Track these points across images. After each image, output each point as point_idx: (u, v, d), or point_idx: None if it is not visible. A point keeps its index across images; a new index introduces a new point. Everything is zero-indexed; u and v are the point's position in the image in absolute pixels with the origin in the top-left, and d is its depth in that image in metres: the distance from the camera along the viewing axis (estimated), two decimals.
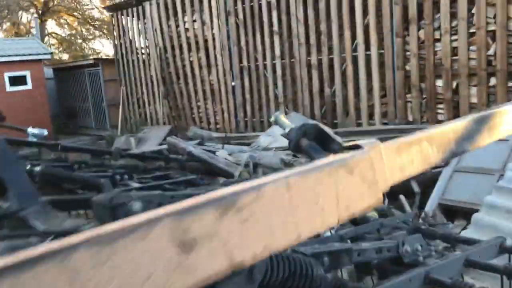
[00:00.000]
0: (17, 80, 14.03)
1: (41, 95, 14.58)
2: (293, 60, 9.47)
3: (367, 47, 8.24)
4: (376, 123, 8.30)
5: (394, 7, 7.77)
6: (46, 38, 24.32)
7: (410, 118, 7.94)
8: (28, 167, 2.40)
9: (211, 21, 10.69)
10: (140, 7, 12.48)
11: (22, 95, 14.12)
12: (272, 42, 9.72)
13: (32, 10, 22.90)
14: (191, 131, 11.26)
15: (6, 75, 13.76)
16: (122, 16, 13.35)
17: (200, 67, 11.23)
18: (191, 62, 11.44)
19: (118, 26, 13.56)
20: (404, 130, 7.12)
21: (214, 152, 8.49)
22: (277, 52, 9.66)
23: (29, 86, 14.29)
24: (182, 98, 11.95)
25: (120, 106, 13.96)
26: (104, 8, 15.79)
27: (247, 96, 10.43)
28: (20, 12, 22.36)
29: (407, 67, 7.83)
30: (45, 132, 5.92)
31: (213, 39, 10.75)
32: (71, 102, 16.65)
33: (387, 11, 7.88)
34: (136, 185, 4.34)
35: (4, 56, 13.58)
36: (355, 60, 8.51)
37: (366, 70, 8.33)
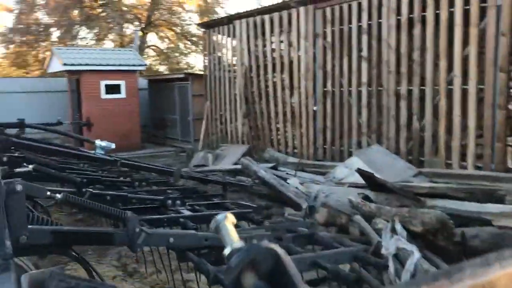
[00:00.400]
0: (112, 89, 14.84)
1: (133, 104, 15.27)
2: (380, 88, 8.91)
3: (465, 81, 7.47)
4: (468, 167, 7.45)
5: (500, 38, 6.96)
6: (146, 50, 25.83)
7: (510, 165, 7.01)
8: (48, 193, 2.26)
9: (298, 42, 10.46)
10: (231, 25, 12.63)
11: (115, 103, 14.89)
12: (359, 68, 9.25)
13: (136, 23, 24.45)
14: (268, 153, 11.04)
15: (103, 83, 14.60)
16: (214, 33, 13.62)
17: (283, 89, 11.03)
18: (274, 83, 11.29)
19: (209, 42, 13.86)
20: (500, 179, 6.27)
21: (285, 179, 8.17)
22: (364, 78, 9.16)
23: (122, 95, 15.04)
24: (262, 118, 11.81)
25: (204, 121, 14.19)
26: (198, 24, 16.29)
27: (328, 122, 9.99)
28: (125, 25, 23.96)
29: (510, 107, 6.95)
30: (112, 145, 6.02)
31: (298, 61, 10.50)
32: (161, 113, 17.29)
33: (492, 41, 7.08)
34: (187, 212, 4.17)
35: (102, 65, 14.44)
36: (449, 93, 7.76)
37: (462, 106, 7.54)
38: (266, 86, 11.59)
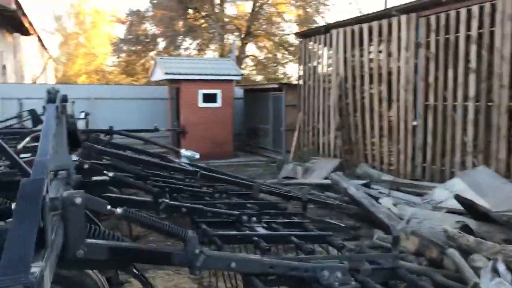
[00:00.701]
0: (209, 98, 15.26)
1: (228, 113, 15.57)
2: (490, 103, 8.07)
3: None
4: None
5: None
6: (245, 60, 26.41)
7: None
8: (108, 207, 2.21)
9: (399, 52, 9.89)
10: (327, 34, 12.36)
11: (211, 111, 15.29)
12: (466, 81, 8.47)
13: (236, 33, 25.10)
14: (361, 169, 10.55)
15: (200, 92, 15.07)
16: (310, 43, 13.45)
17: (380, 101, 10.49)
18: (370, 95, 10.79)
19: (305, 52, 13.70)
20: None
21: (377, 198, 7.69)
22: (472, 92, 8.37)
23: (218, 103, 15.40)
24: (356, 132, 11.34)
25: (296, 132, 14.04)
26: (295, 34, 16.23)
27: (429, 139, 9.28)
28: (226, 35, 24.71)
29: None
30: (197, 155, 6.08)
31: (398, 72, 9.92)
32: (255, 122, 17.46)
33: None
34: (262, 230, 3.99)
35: (200, 75, 14.93)
36: None
37: None
38: (362, 98, 11.12)
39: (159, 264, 2.56)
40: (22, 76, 24.50)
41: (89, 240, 2.18)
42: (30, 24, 28.04)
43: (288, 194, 5.26)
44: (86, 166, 3.45)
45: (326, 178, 10.27)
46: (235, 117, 16.39)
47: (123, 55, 26.88)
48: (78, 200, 2.09)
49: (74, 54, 46.81)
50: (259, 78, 26.75)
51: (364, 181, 9.21)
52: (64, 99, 2.77)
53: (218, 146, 15.31)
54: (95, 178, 3.20)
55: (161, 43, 26.33)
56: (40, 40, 33.76)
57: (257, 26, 24.43)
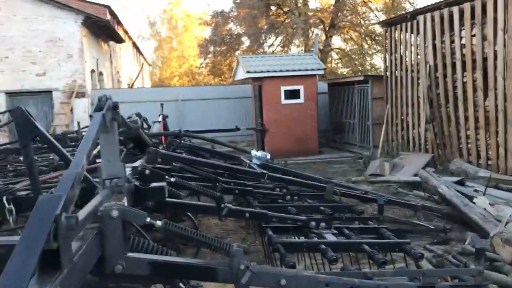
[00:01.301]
0: (291, 94, 15.07)
1: (311, 109, 15.25)
2: None
3: None
4: None
5: None
6: (330, 53, 25.81)
7: None
8: (148, 219, 2.11)
9: (495, 35, 8.93)
10: (414, 21, 11.58)
11: (294, 108, 15.08)
12: None
13: (320, 26, 24.59)
14: (454, 164, 9.75)
15: (282, 89, 14.93)
16: (396, 31, 12.71)
17: (475, 90, 9.58)
18: (464, 84, 9.90)
19: (391, 41, 12.99)
20: None
21: (472, 197, 6.99)
22: None
23: (301, 99, 15.14)
24: (449, 124, 10.49)
25: (383, 126, 13.40)
26: (379, 23, 15.46)
27: None
28: (310, 29, 24.31)
29: None
30: (268, 156, 5.92)
31: (495, 57, 8.97)
32: (340, 117, 16.97)
33: None
34: (331, 237, 3.72)
35: (282, 71, 14.78)
36: None
37: None
38: (454, 88, 10.25)
39: (203, 280, 2.42)
40: (119, 81, 26.11)
41: (129, 254, 2.10)
42: (125, 32, 29.90)
43: (365, 195, 4.90)
44: (147, 172, 3.41)
45: (415, 175, 9.62)
46: (319, 113, 16.04)
47: (210, 56, 27.60)
48: (115, 213, 2.01)
49: (168, 58, 49.21)
50: (345, 71, 26.01)
51: (458, 178, 8.46)
52: (115, 106, 2.73)
53: (302, 143, 15.07)
54: (153, 184, 3.15)
55: (246, 42, 26.63)
56: (135, 46, 35.91)
57: (341, 18, 23.73)
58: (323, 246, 3.36)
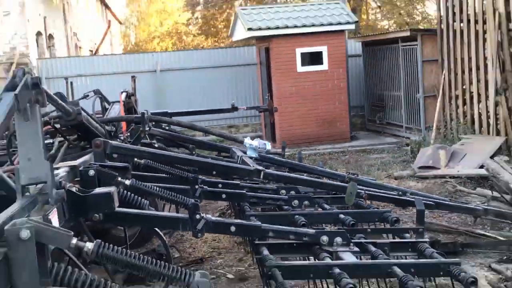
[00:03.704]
0: (311, 58, 14.98)
1: (339, 79, 15.19)
2: None
3: None
4: None
5: None
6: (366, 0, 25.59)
7: None
8: (74, 241, 2.09)
9: None
10: None
11: (316, 77, 15.01)
12: None
13: None
14: None
15: (298, 51, 14.83)
16: None
17: None
18: None
19: None
20: None
21: None
22: None
23: (324, 66, 15.05)
24: None
25: (438, 100, 13.31)
26: None
27: None
28: None
29: None
30: (268, 146, 5.87)
31: None
32: (379, 89, 16.87)
33: None
34: (349, 257, 3.68)
35: (297, 27, 14.64)
36: None
37: None
38: None
39: None
40: (78, 46, 26.18)
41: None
42: None
43: (401, 197, 4.85)
44: (91, 172, 3.40)
45: (481, 167, 9.56)
46: (351, 83, 15.97)
47: (199, 8, 27.48)
48: (25, 234, 1.99)
49: (146, 13, 49.17)
50: (387, 24, 25.79)
51: None
52: (35, 83, 2.70)
53: (328, 125, 15.05)
54: (97, 190, 3.13)
55: None
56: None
57: None
58: (337, 270, 3.32)
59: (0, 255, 1.97)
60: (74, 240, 2.12)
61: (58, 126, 4.36)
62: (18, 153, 3.45)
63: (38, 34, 18.76)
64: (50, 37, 20.64)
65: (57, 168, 3.35)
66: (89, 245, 2.19)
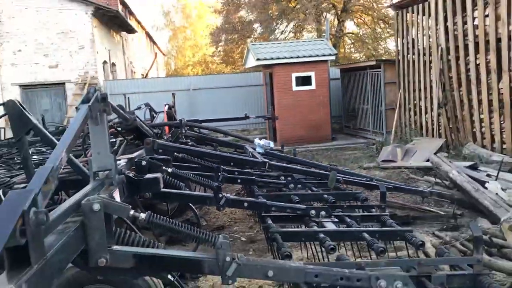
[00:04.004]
0: (303, 80, 14.91)
1: (323, 95, 15.09)
2: None
3: None
4: None
5: None
6: (343, 38, 25.43)
7: None
8: (131, 212, 2.08)
9: (509, 15, 8.66)
10: (426, 3, 11.31)
11: (306, 94, 14.94)
12: None
13: (333, 11, 24.21)
14: (468, 149, 9.57)
15: (293, 76, 14.79)
16: (408, 14, 12.45)
17: (488, 72, 9.34)
18: (477, 66, 9.65)
19: (402, 24, 12.73)
20: None
21: (484, 183, 6.84)
22: None
23: (313, 86, 14.97)
24: (462, 108, 10.28)
25: (396, 112, 13.20)
26: (390, 6, 15.14)
27: None
28: (322, 14, 23.94)
29: None
30: (271, 144, 5.86)
31: (509, 38, 8.71)
32: (352, 103, 16.77)
33: None
34: (330, 225, 3.67)
35: (293, 58, 14.63)
36: None
37: None
38: (467, 70, 10.02)
39: (189, 272, 2.39)
40: (133, 71, 26.20)
41: (113, 247, 2.08)
42: (138, 22, 29.91)
43: (368, 182, 4.82)
44: (143, 163, 3.39)
45: (428, 161, 9.47)
46: (332, 99, 15.87)
47: (221, 44, 27.47)
48: (96, 206, 2.00)
49: (182, 47, 49.17)
50: (359, 56, 25.62)
51: (471, 163, 8.29)
52: (104, 97, 2.70)
53: (315, 129, 14.97)
54: (147, 175, 3.13)
55: (257, 29, 26.40)
56: (149, 36, 35.94)
57: (354, 1, 23.31)
58: (321, 235, 3.31)
59: (78, 222, 1.98)
60: (131, 211, 2.13)
61: (119, 129, 4.36)
62: (90, 148, 3.47)
63: (104, 62, 18.81)
64: (113, 64, 20.68)
65: (119, 160, 3.36)
66: (142, 215, 2.19)
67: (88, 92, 2.72)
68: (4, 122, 15.05)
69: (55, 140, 3.05)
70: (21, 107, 2.84)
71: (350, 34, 26.45)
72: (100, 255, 2.01)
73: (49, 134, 3.04)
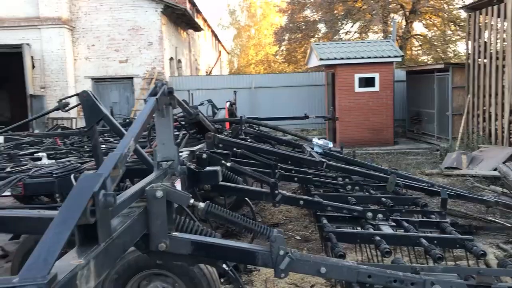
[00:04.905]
0: (366, 82, 14.65)
1: (387, 97, 14.77)
2: None
3: None
4: None
5: None
6: (410, 39, 24.64)
7: None
8: (191, 201, 2.17)
9: None
10: (502, 5, 10.75)
11: (368, 96, 14.68)
12: None
13: (401, 12, 23.53)
14: None
15: (356, 76, 14.55)
16: (481, 16, 11.89)
17: None
18: None
19: (474, 27, 12.17)
20: None
21: None
22: None
23: (376, 88, 14.68)
24: None
25: (463, 117, 12.66)
26: (462, 7, 14.49)
27: None
28: (389, 15, 23.35)
29: None
30: (330, 144, 5.81)
31: None
32: (417, 106, 16.26)
33: None
34: (387, 229, 3.61)
35: (356, 58, 14.40)
36: None
37: None
38: None
39: (243, 263, 2.45)
40: (197, 68, 26.86)
41: (173, 233, 2.18)
42: (205, 20, 30.60)
43: (429, 188, 4.68)
44: (204, 156, 3.51)
45: (495, 170, 9.02)
46: (395, 101, 15.47)
47: (285, 43, 27.51)
48: (159, 194, 2.10)
49: (246, 46, 49.77)
50: (426, 59, 24.74)
51: None
52: (170, 91, 2.82)
53: (376, 132, 14.68)
54: (207, 168, 3.23)
55: (321, 29, 26.20)
56: (214, 34, 36.68)
57: (423, 2, 22.52)
58: (377, 238, 3.27)
59: (142, 208, 2.09)
60: (192, 201, 2.21)
61: (182, 123, 4.51)
62: (155, 139, 3.62)
63: (171, 59, 19.41)
64: (179, 61, 21.30)
65: (181, 152, 3.48)
66: (201, 204, 2.28)
67: (156, 85, 2.85)
68: (76, 113, 15.96)
69: (123, 130, 3.22)
70: (94, 98, 3.03)
71: (418, 36, 25.60)
72: (160, 240, 2.11)
73: (118, 124, 3.21)
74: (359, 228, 3.76)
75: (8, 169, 3.75)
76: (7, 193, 3.32)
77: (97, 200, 1.58)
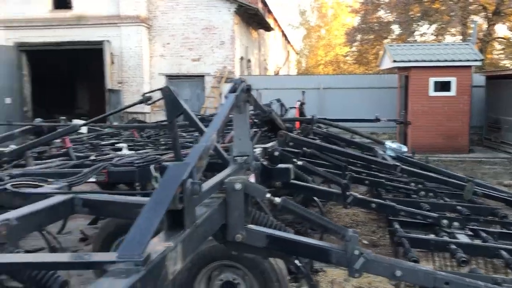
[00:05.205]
0: (442, 86, 14.07)
1: (463, 103, 14.13)
2: None
3: None
4: None
5: None
6: (492, 43, 23.35)
7: None
8: (268, 195, 2.22)
9: None
10: None
11: (444, 101, 14.12)
12: None
13: (483, 13, 22.36)
14: None
15: (431, 80, 14.03)
16: None
17: None
18: None
19: None
20: None
21: None
22: None
23: (452, 92, 14.08)
24: None
25: None
26: None
27: None
28: (470, 17, 22.27)
29: None
30: (404, 148, 5.66)
31: None
32: (497, 113, 15.39)
33: None
34: (463, 238, 3.49)
35: (432, 61, 13.87)
36: None
37: None
38: None
39: (317, 260, 2.47)
40: (266, 68, 27.10)
41: (249, 226, 2.24)
42: (275, 20, 30.80)
43: (510, 198, 4.44)
44: (276, 153, 3.57)
45: None
46: (473, 107, 14.75)
47: (356, 44, 27.07)
48: (238, 186, 2.17)
49: (315, 46, 49.49)
50: (509, 63, 23.35)
51: None
52: (248, 89, 2.90)
53: (451, 139, 14.09)
54: (280, 165, 3.29)
55: (395, 31, 25.49)
56: (284, 35, 36.82)
57: (508, 3, 21.24)
58: (453, 246, 3.17)
59: (221, 199, 2.18)
60: (268, 195, 2.27)
61: (255, 120, 4.60)
62: (229, 134, 3.72)
63: (241, 58, 19.71)
64: (249, 61, 21.59)
65: (254, 148, 3.56)
66: (277, 199, 2.33)
67: (235, 82, 2.95)
68: (150, 108, 16.66)
69: (201, 125, 3.35)
70: (175, 94, 3.18)
71: (501, 39, 24.19)
72: (237, 231, 2.19)
73: (196, 119, 3.34)
74: (432, 235, 3.67)
75: (92, 157, 4.03)
76: (92, 179, 3.56)
77: (185, 187, 1.68)
